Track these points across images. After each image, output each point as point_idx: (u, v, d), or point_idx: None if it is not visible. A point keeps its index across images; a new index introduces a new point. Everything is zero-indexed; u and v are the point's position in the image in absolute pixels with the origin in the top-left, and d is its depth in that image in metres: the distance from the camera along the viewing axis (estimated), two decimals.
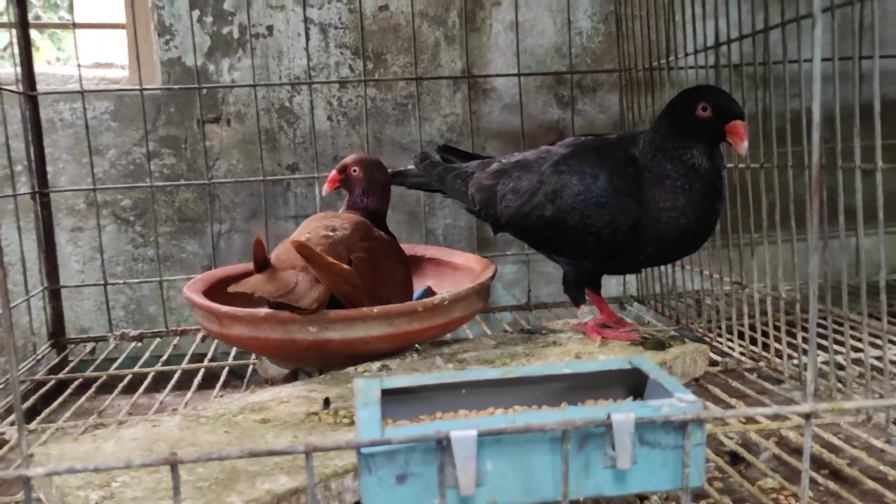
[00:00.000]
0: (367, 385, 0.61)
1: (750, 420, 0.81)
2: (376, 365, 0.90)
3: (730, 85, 1.12)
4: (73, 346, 1.35)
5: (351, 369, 0.90)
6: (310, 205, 1.67)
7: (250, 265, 1.20)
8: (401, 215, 1.68)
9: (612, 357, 0.90)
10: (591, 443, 0.53)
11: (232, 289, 0.85)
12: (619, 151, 0.95)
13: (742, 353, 1.05)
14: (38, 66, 1.75)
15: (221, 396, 1.11)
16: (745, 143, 0.87)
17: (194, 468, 0.61)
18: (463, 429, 0.51)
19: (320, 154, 1.64)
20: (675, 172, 0.90)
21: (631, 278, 1.56)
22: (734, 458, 0.82)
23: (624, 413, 0.52)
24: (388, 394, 0.63)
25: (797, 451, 0.75)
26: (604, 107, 1.73)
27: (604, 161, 0.94)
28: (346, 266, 0.91)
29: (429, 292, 1.16)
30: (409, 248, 1.22)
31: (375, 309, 0.89)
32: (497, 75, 1.62)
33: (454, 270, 1.17)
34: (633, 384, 0.66)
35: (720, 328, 1.12)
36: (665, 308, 1.35)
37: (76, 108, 1.60)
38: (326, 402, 0.76)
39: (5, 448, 0.85)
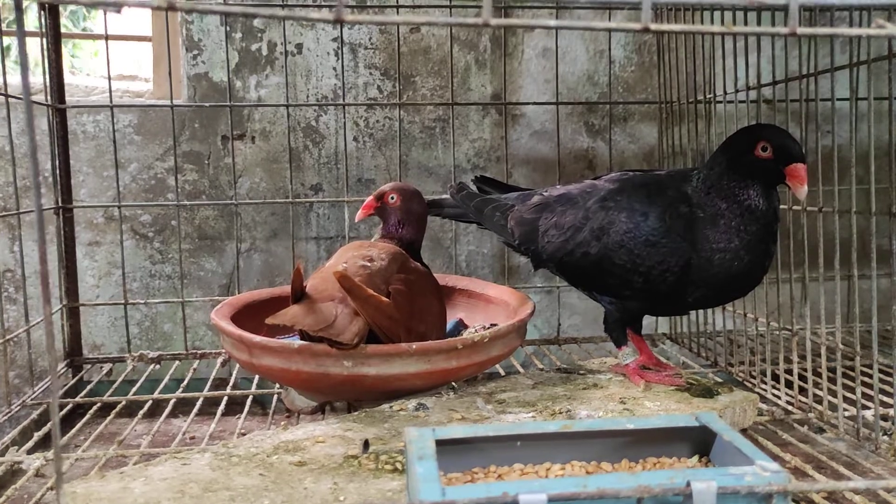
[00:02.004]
0: (420, 435, 0.58)
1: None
2: (412, 403, 0.86)
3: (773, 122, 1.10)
4: (89, 366, 1.31)
5: (385, 407, 0.86)
6: (332, 226, 1.64)
7: (276, 290, 1.17)
8: (424, 241, 1.63)
9: (659, 403, 0.86)
10: None
11: (270, 321, 0.81)
12: (671, 189, 0.91)
13: (789, 402, 1.01)
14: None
15: (243, 427, 1.08)
16: (805, 188, 0.84)
17: None
18: (532, 492, 0.47)
19: (344, 176, 1.61)
20: (730, 213, 0.87)
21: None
22: None
23: (705, 481, 0.48)
24: (439, 444, 0.59)
25: None
26: (634, 137, 1.70)
27: (654, 198, 0.91)
28: (385, 299, 0.87)
29: (460, 325, 1.12)
30: (440, 278, 1.18)
31: (414, 345, 0.85)
32: (535, 103, 1.59)
33: (487, 303, 1.14)
34: (698, 442, 0.62)
35: (764, 374, 1.08)
36: (700, 348, 1.31)
37: (99, 120, 1.57)
38: (366, 444, 0.72)
39: (24, 478, 0.81)
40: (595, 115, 1.69)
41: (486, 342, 0.90)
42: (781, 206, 0.93)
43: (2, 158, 1.51)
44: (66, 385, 1.22)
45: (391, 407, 0.85)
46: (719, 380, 0.96)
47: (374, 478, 0.66)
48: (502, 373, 1.15)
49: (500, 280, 1.57)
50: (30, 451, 0.87)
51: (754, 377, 1.09)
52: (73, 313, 1.31)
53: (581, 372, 0.99)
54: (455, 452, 0.60)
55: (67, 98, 1.44)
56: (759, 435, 0.91)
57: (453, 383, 0.93)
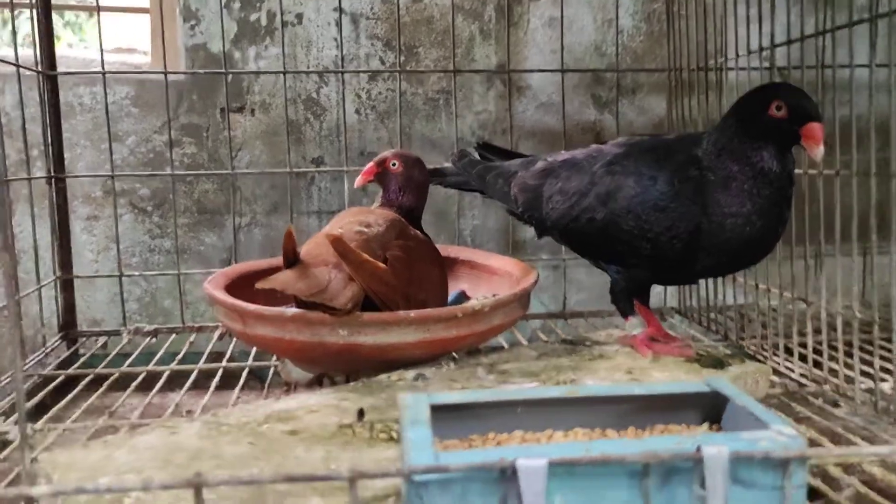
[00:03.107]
0: (414, 401, 0.55)
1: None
2: (411, 374, 0.83)
3: None
4: (84, 339, 1.29)
5: (384, 377, 0.83)
6: (334, 200, 1.60)
7: (274, 260, 1.14)
8: (428, 214, 1.60)
9: (667, 374, 0.83)
10: (677, 478, 0.46)
11: (260, 285, 0.78)
12: (680, 152, 0.87)
13: (802, 375, 0.97)
14: (59, 50, 1.69)
15: (239, 399, 1.05)
16: (821, 148, 0.80)
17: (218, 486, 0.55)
18: (531, 457, 0.44)
19: (347, 148, 1.58)
20: (742, 175, 0.83)
21: (672, 288, 1.49)
22: (811, 494, 0.75)
23: (717, 446, 0.45)
24: (435, 410, 0.56)
25: (883, 491, 0.68)
26: (643, 109, 1.66)
27: (663, 162, 0.87)
28: (381, 264, 0.84)
29: (462, 297, 1.09)
30: (442, 250, 1.15)
31: (412, 313, 0.82)
32: (539, 70, 1.55)
33: (490, 275, 1.10)
34: (708, 408, 0.59)
35: (776, 347, 1.04)
36: (710, 322, 1.27)
37: (96, 91, 1.54)
38: (360, 413, 0.70)
39: (9, 449, 0.79)
40: (602, 86, 1.65)
41: (486, 311, 0.87)
42: (796, 170, 0.89)
43: None
44: (60, 358, 1.20)
45: (389, 377, 0.83)
46: (729, 351, 0.93)
47: (369, 447, 0.64)
48: (506, 346, 1.12)
49: (508, 254, 1.54)
50: (17, 422, 0.85)
51: (766, 350, 1.06)
52: (66, 286, 1.28)
53: (587, 343, 0.96)
54: (452, 419, 0.57)
55: (77, 70, 1.41)
56: (773, 408, 0.88)
57: (454, 354, 0.90)
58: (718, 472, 0.45)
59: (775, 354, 1.04)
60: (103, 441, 0.65)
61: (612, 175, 0.89)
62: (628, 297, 0.94)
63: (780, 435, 0.48)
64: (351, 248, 0.80)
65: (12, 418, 0.86)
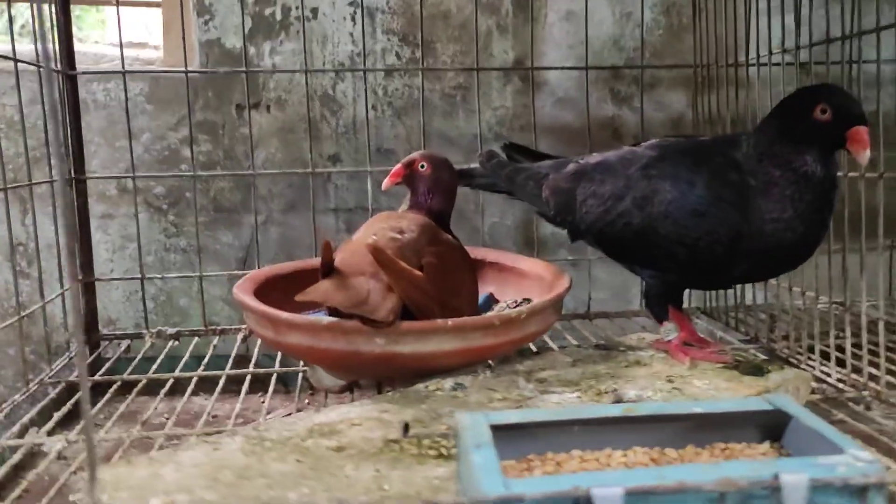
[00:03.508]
0: (473, 421, 0.53)
1: None
2: (449, 383, 0.82)
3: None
4: (105, 342, 1.27)
5: (420, 386, 0.82)
6: (351, 198, 1.59)
7: (299, 263, 1.13)
8: None
9: (707, 382, 0.82)
10: None
11: (300, 297, 0.77)
12: (718, 155, 0.86)
13: (840, 380, 0.96)
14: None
15: (262, 404, 1.04)
16: (868, 153, 0.79)
17: None
18: (606, 485, 0.43)
19: (364, 146, 1.56)
20: (784, 180, 0.82)
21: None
22: None
23: (796, 473, 0.44)
24: (493, 428, 0.55)
25: None
26: (661, 105, 1.64)
27: (701, 165, 0.85)
28: (418, 272, 0.83)
29: (491, 300, 1.08)
30: (469, 251, 1.14)
31: (450, 322, 0.81)
32: (563, 68, 1.53)
33: (519, 277, 1.09)
34: (767, 425, 0.58)
35: (811, 350, 1.03)
36: (738, 322, 1.26)
37: (110, 88, 1.52)
38: (406, 427, 0.68)
39: (45, 462, 0.77)
40: (621, 81, 1.63)
41: (523, 318, 0.85)
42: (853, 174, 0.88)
43: (11, 129, 1.47)
44: (90, 360, 1.18)
45: (426, 386, 0.81)
46: (762, 356, 0.92)
47: (419, 464, 0.62)
48: (534, 349, 1.11)
49: (525, 252, 1.53)
50: (50, 433, 0.83)
51: (800, 353, 1.05)
52: (88, 288, 1.27)
53: (621, 348, 0.95)
54: (507, 437, 0.56)
55: (96, 69, 1.39)
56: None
57: (489, 361, 0.89)
58: (798, 500, 0.44)
59: (810, 358, 1.03)
60: (148, 458, 0.63)
61: (648, 179, 0.88)
62: (663, 302, 0.93)
63: (856, 460, 0.47)
64: (391, 257, 0.79)
65: (45, 428, 0.85)
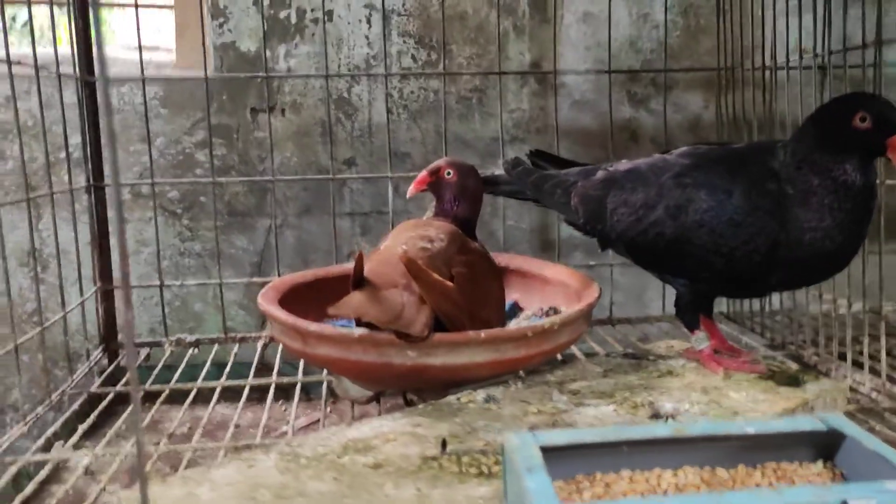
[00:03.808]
0: (521, 442, 0.52)
1: None
2: (481, 395, 0.80)
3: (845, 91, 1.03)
4: (124, 351, 1.26)
5: (452, 398, 0.80)
6: (366, 202, 1.58)
7: (320, 271, 1.12)
8: None
9: (744, 394, 0.80)
10: None
11: (333, 311, 0.75)
12: (754, 164, 0.85)
13: (875, 389, 0.95)
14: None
15: (286, 413, 1.03)
16: None
17: None
18: None
19: (379, 149, 1.55)
20: (823, 189, 0.80)
21: None
22: None
23: (863, 499, 0.42)
24: (542, 449, 0.53)
25: None
26: (679, 106, 1.62)
27: (737, 174, 0.84)
28: (449, 284, 0.81)
29: (516, 308, 1.07)
30: (493, 258, 1.13)
31: (482, 334, 0.80)
32: (584, 72, 1.52)
33: (543, 284, 1.08)
34: (820, 444, 0.57)
35: (842, 357, 1.02)
36: (764, 329, 1.25)
37: (123, 92, 1.51)
38: (444, 444, 0.67)
39: (73, 477, 0.76)
40: (637, 83, 1.62)
41: (556, 329, 0.84)
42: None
43: (26, 134, 1.46)
44: (103, 371, 1.17)
45: (458, 399, 0.80)
46: (793, 364, 0.90)
47: (460, 482, 0.61)
48: (559, 357, 1.10)
49: (541, 255, 1.51)
50: (76, 446, 0.82)
51: (829, 361, 1.03)
52: (107, 296, 1.25)
53: (650, 357, 0.94)
54: (555, 458, 0.55)
55: (117, 75, 1.38)
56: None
57: (520, 372, 0.88)
58: None
59: (840, 367, 1.01)
60: (181, 477, 0.62)
61: (682, 188, 0.86)
62: (694, 311, 0.92)
63: None
64: (424, 269, 0.77)
65: (70, 441, 0.84)
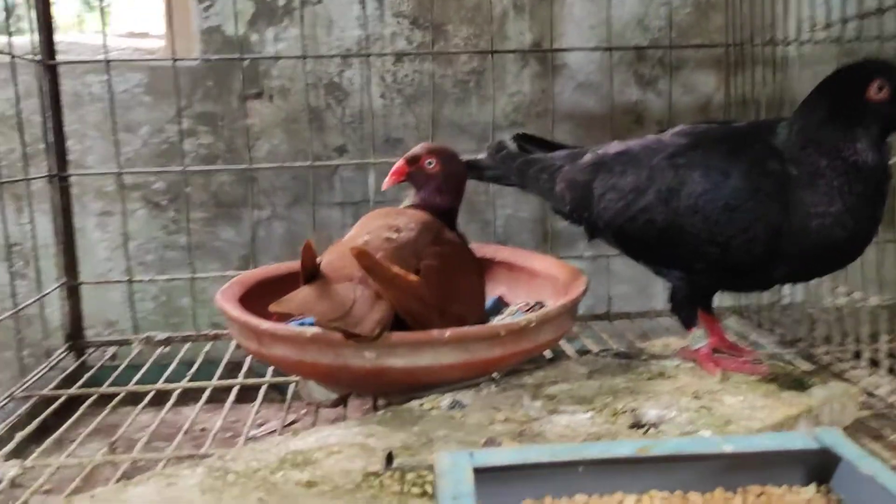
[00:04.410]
0: (453, 464, 0.44)
1: None
2: (447, 400, 0.73)
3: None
4: (92, 349, 1.20)
5: (415, 404, 0.73)
6: (358, 191, 1.50)
7: (293, 264, 1.04)
8: None
9: (741, 399, 0.72)
10: None
11: (274, 308, 0.68)
12: (755, 142, 0.76)
13: (894, 391, 0.86)
14: (69, 37, 1.60)
15: (259, 416, 0.96)
16: None
17: None
18: None
19: (371, 136, 1.48)
20: (831, 170, 0.72)
21: None
22: None
23: None
24: (480, 472, 0.46)
25: None
26: (688, 87, 1.53)
27: (736, 154, 0.75)
28: (414, 278, 0.74)
29: (500, 303, 0.99)
30: (477, 249, 1.05)
31: (447, 333, 0.72)
32: (583, 49, 1.43)
33: (531, 277, 0.99)
34: (812, 463, 0.48)
35: (857, 356, 0.92)
36: (774, 325, 1.15)
37: (105, 80, 1.45)
38: (389, 458, 0.60)
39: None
40: (645, 64, 1.52)
41: (533, 327, 0.76)
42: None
43: (4, 124, 1.40)
44: (66, 371, 1.11)
45: (421, 405, 0.72)
46: (807, 366, 0.82)
47: None
48: (549, 355, 1.02)
49: (542, 247, 1.43)
50: (7, 457, 0.76)
51: (843, 360, 0.94)
52: (73, 292, 1.19)
53: (643, 357, 0.85)
54: (501, 480, 0.47)
55: (75, 57, 1.32)
56: (861, 433, 0.77)
57: (494, 374, 0.80)
58: None
59: (855, 367, 0.92)
60: (90, 497, 0.55)
61: (674, 169, 0.78)
62: (691, 306, 0.83)
63: None
64: (379, 261, 0.69)
65: (4, 451, 0.77)
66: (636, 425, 0.66)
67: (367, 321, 0.68)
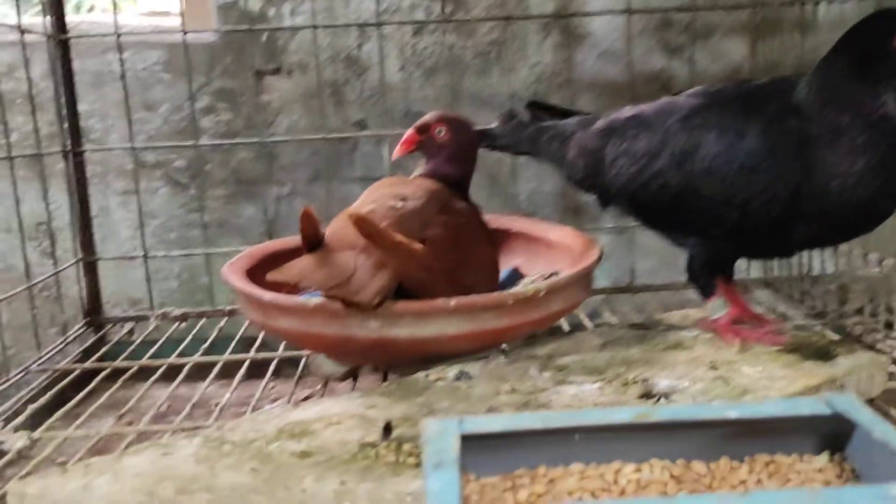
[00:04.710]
0: (440, 430, 0.43)
1: None
2: (453, 371, 0.71)
3: None
4: (111, 325, 1.21)
5: (421, 375, 0.71)
6: (378, 165, 1.48)
7: None
8: (479, 177, 1.47)
9: (760, 369, 0.69)
10: None
11: (272, 276, 0.67)
12: (773, 100, 0.72)
13: None
14: (91, 16, 1.60)
15: (273, 389, 0.95)
16: None
17: None
18: None
19: (391, 109, 1.46)
20: (854, 128, 0.68)
21: None
22: None
23: None
24: (470, 440, 0.44)
25: None
26: (717, 55, 1.48)
27: (752, 112, 0.72)
28: (418, 245, 0.72)
29: (516, 274, 0.96)
30: (493, 220, 1.02)
31: (453, 302, 0.70)
32: (601, 13, 1.39)
33: (548, 248, 0.97)
34: (825, 430, 0.46)
35: (890, 326, 0.88)
36: (804, 296, 1.11)
37: (126, 58, 1.44)
38: (387, 428, 0.58)
39: (3, 461, 0.70)
40: (671, 30, 1.48)
41: (542, 296, 0.74)
42: None
43: (28, 103, 1.41)
44: (84, 346, 1.12)
45: (427, 376, 0.71)
46: (834, 336, 0.78)
47: (393, 474, 0.52)
48: (567, 328, 1.00)
49: (568, 220, 1.40)
50: (18, 429, 0.76)
51: (876, 330, 0.90)
52: (90, 268, 1.20)
53: (660, 328, 0.82)
54: (494, 448, 0.45)
55: (88, 33, 1.32)
56: (892, 405, 0.73)
57: (504, 345, 0.77)
58: None
59: (889, 336, 0.88)
60: (85, 465, 0.55)
61: (688, 131, 0.74)
62: (709, 275, 0.80)
63: None
64: (381, 228, 0.67)
65: (14, 422, 0.78)
66: (646, 395, 0.63)
67: (367, 289, 0.66)
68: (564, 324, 1.02)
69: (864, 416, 0.42)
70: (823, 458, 0.45)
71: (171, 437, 0.59)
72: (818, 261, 1.09)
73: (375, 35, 1.45)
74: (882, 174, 0.68)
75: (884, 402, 0.73)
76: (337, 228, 0.74)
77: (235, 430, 0.60)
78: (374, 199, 0.79)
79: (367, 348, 0.72)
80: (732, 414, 0.44)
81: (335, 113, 1.45)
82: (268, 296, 0.74)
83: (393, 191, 0.80)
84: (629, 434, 0.45)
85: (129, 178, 1.46)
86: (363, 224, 0.66)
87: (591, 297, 1.27)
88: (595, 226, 1.41)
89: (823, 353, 0.72)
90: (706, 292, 0.80)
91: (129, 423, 0.78)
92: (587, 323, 1.04)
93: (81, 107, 1.41)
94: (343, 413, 0.63)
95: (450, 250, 0.76)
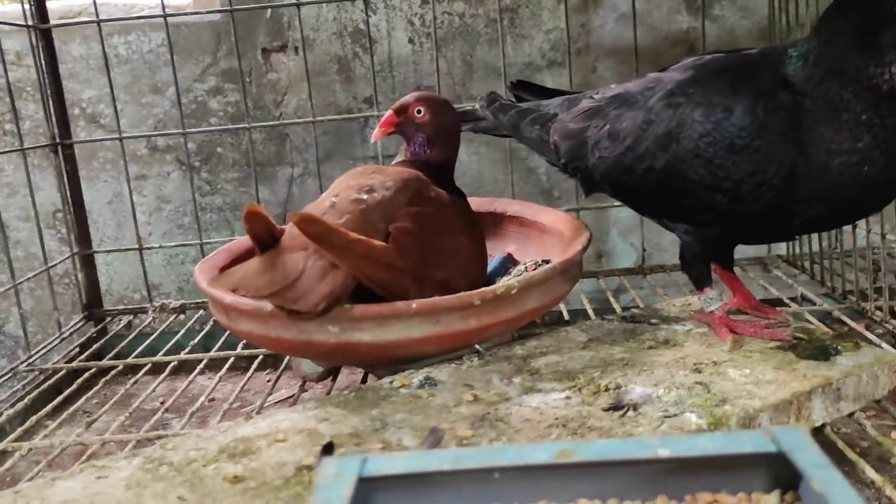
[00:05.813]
0: (336, 473, 0.39)
1: None
2: (417, 378, 0.67)
3: None
4: (109, 318, 1.20)
5: (385, 382, 0.67)
6: (391, 143, 1.44)
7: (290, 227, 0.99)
8: (496, 153, 1.42)
9: (748, 371, 0.63)
10: None
11: (213, 285, 0.64)
12: (765, 72, 0.65)
13: None
14: None
15: (269, 383, 0.92)
16: None
17: None
18: None
19: (401, 83, 1.41)
20: (857, 102, 0.60)
21: None
22: None
23: None
24: (370, 482, 0.40)
25: None
26: (748, 10, 1.38)
27: (741, 86, 0.65)
28: (377, 243, 0.67)
29: (508, 261, 0.91)
30: (488, 204, 0.97)
31: (414, 304, 0.66)
32: None
33: (540, 233, 0.91)
34: (778, 467, 0.40)
35: None
36: (830, 275, 1.02)
37: (131, 41, 1.43)
38: (327, 448, 0.54)
39: None
40: None
41: (514, 294, 0.69)
42: None
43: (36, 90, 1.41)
44: (80, 341, 1.11)
45: (392, 383, 0.67)
46: (843, 327, 0.71)
47: None
48: (567, 316, 0.94)
49: (591, 199, 1.33)
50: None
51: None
52: (87, 261, 1.19)
53: (653, 321, 0.77)
54: (401, 489, 0.41)
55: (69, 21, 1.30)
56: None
57: (478, 346, 0.73)
58: None
59: None
60: (14, 492, 0.53)
61: (673, 108, 0.68)
62: (703, 263, 0.74)
63: None
64: (330, 227, 0.63)
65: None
66: (614, 407, 0.58)
67: (310, 296, 0.62)
68: (566, 312, 0.96)
69: (809, 458, 0.37)
70: (774, 497, 0.39)
71: (110, 459, 0.57)
72: (855, 237, 1.00)
73: (383, 6, 1.40)
74: (890, 150, 0.60)
75: (888, 402, 0.66)
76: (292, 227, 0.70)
77: (178, 448, 0.58)
78: (337, 193, 0.75)
79: (328, 352, 0.69)
80: (664, 453, 0.39)
81: (344, 90, 1.41)
82: (228, 298, 0.71)
83: (360, 182, 0.76)
84: (556, 471, 0.41)
85: (140, 163, 1.45)
86: (305, 223, 0.62)
87: (601, 280, 1.21)
88: (610, 203, 1.34)
89: (822, 352, 0.65)
90: (700, 283, 0.74)
91: (100, 434, 0.76)
92: (589, 309, 0.98)
93: (90, 92, 1.41)
94: (293, 427, 0.60)
95: (418, 244, 0.72)
